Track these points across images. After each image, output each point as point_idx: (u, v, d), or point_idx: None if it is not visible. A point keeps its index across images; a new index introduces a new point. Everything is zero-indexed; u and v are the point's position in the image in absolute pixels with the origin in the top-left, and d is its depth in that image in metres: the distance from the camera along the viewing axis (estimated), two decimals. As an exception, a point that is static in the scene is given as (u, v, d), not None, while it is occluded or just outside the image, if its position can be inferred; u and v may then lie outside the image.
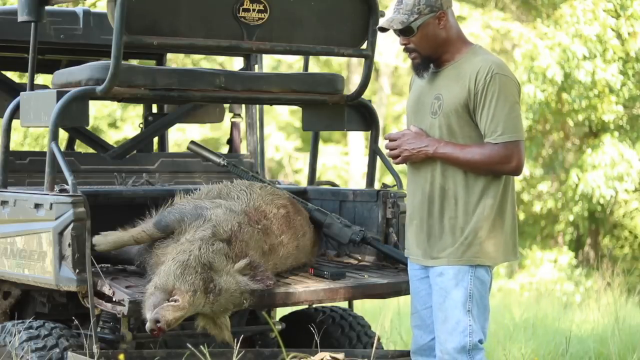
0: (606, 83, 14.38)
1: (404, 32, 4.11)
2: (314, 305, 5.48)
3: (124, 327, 4.48)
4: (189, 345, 4.31)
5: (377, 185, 5.33)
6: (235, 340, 4.26)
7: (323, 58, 17.92)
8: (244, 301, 4.20)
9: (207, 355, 4.21)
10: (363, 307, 8.50)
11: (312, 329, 4.91)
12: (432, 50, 4.12)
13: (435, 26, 4.10)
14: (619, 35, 14.34)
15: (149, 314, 3.98)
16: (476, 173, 4.06)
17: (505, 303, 10.57)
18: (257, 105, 6.08)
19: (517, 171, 4.07)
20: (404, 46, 4.17)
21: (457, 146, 4.05)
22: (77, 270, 4.22)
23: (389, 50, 17.32)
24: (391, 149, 4.16)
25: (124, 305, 4.11)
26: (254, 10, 4.67)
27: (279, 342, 4.63)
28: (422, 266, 4.21)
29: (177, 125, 8.38)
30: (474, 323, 4.06)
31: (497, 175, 4.07)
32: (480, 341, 4.08)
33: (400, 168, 6.47)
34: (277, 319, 5.57)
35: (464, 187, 4.07)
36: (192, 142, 5.30)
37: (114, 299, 4.18)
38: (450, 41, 4.13)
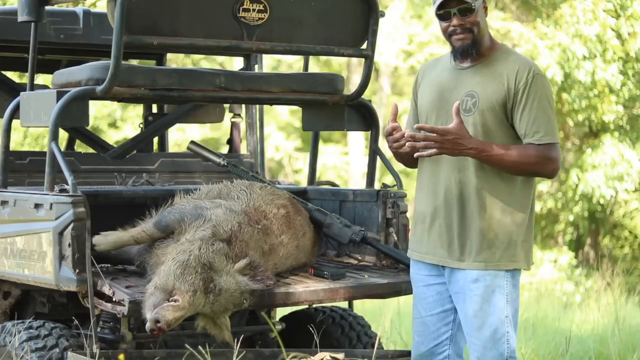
0: (606, 83, 14.39)
1: (465, 11, 4.00)
2: (314, 305, 5.48)
3: (124, 327, 4.48)
4: (187, 346, 4.30)
5: (377, 185, 5.32)
6: (235, 340, 4.26)
7: (323, 58, 17.91)
8: (244, 301, 4.20)
9: (207, 355, 4.21)
10: (363, 307, 8.50)
11: (312, 329, 4.91)
12: (481, 32, 4.05)
13: (483, 13, 4.06)
14: (619, 35, 14.34)
15: (149, 314, 3.98)
16: (517, 175, 4.00)
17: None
18: (257, 105, 6.08)
19: (554, 173, 4.04)
20: (455, 27, 4.02)
21: (502, 148, 3.96)
22: (77, 270, 4.22)
23: (389, 50, 17.32)
24: (425, 140, 3.93)
25: (124, 305, 4.11)
26: (254, 10, 4.67)
27: (278, 342, 4.63)
28: (438, 270, 4.12)
29: (177, 125, 8.38)
30: (511, 329, 4.02)
31: (535, 176, 4.05)
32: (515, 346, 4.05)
33: (400, 168, 6.46)
34: (277, 319, 5.57)
35: (500, 189, 4.00)
36: (192, 142, 5.30)
37: (114, 299, 4.17)
38: (487, 32, 4.09)
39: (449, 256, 4.08)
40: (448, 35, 4.08)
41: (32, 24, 4.80)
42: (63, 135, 5.54)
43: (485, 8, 4.09)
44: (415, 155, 4.04)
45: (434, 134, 3.92)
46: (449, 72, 4.14)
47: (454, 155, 3.98)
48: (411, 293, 4.69)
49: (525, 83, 3.99)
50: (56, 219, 4.27)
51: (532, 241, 4.11)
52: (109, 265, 4.68)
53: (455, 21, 4.03)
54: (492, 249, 4.00)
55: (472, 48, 4.05)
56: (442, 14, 4.04)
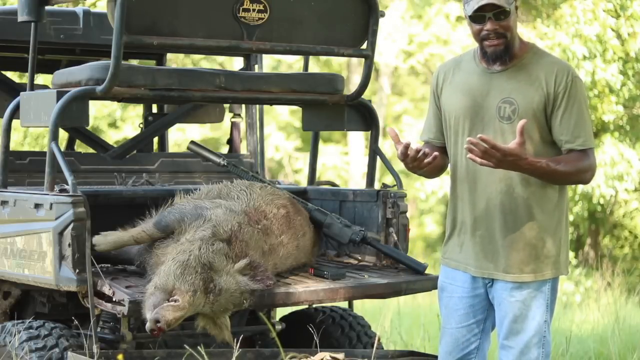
0: (606, 83, 14.38)
1: (499, 15, 3.88)
2: (314, 305, 5.48)
3: (124, 327, 4.48)
4: (186, 346, 4.30)
5: (377, 185, 5.32)
6: (235, 340, 4.26)
7: (323, 58, 17.91)
8: (244, 301, 4.20)
9: (207, 355, 4.21)
10: (363, 307, 8.50)
11: (312, 329, 4.91)
12: (513, 38, 3.93)
13: (515, 14, 3.93)
14: (619, 36, 14.34)
15: (149, 314, 3.98)
16: (562, 184, 3.94)
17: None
18: (257, 105, 6.08)
19: (592, 178, 3.97)
20: (489, 32, 3.90)
21: (552, 161, 3.84)
22: (77, 270, 4.22)
23: (389, 50, 17.31)
24: (485, 153, 3.74)
25: (124, 305, 4.11)
26: (254, 10, 4.67)
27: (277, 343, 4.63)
28: (476, 281, 4.02)
29: (177, 125, 8.39)
30: (548, 334, 3.99)
31: (577, 183, 3.99)
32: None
33: (400, 168, 6.45)
34: (277, 319, 5.57)
35: (544, 198, 3.92)
36: (192, 142, 5.30)
37: (114, 299, 4.17)
38: (518, 34, 3.98)
39: (495, 268, 3.98)
40: (480, 39, 3.94)
41: (32, 24, 4.80)
42: (63, 135, 5.54)
43: (517, 7, 3.94)
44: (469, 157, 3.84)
45: (496, 152, 3.74)
46: (479, 75, 4.00)
47: (507, 169, 3.87)
48: (411, 293, 4.69)
49: (565, 87, 3.88)
50: (56, 219, 4.28)
51: (569, 245, 4.06)
52: (109, 265, 4.68)
53: (489, 25, 3.89)
54: (540, 258, 3.94)
55: (505, 54, 3.93)
56: (476, 17, 3.91)
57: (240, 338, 4.37)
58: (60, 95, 4.42)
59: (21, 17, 4.78)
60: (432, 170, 4.10)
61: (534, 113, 3.89)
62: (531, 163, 3.80)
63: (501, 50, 3.92)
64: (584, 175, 3.93)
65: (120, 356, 4.25)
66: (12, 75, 6.48)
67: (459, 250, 4.06)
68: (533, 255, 3.93)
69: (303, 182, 10.56)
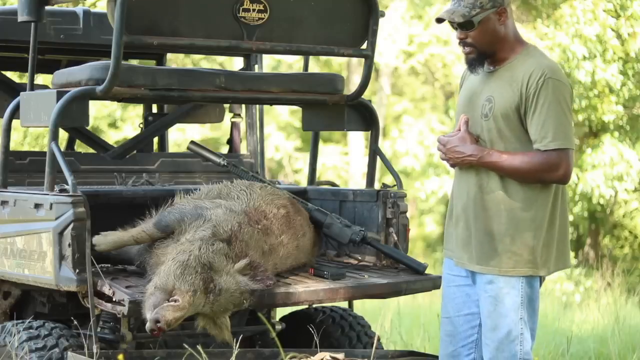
0: (606, 83, 14.39)
1: (464, 25, 3.96)
2: (314, 305, 5.48)
3: (124, 327, 4.48)
4: (186, 346, 4.30)
5: (377, 185, 5.32)
6: (235, 340, 4.26)
7: (323, 58, 17.90)
8: (244, 301, 4.20)
9: (207, 355, 4.21)
10: (363, 307, 8.50)
11: (312, 329, 4.91)
12: (489, 46, 3.98)
13: (495, 22, 3.97)
14: (618, 36, 14.34)
15: (149, 314, 3.98)
16: (523, 182, 3.94)
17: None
18: (257, 105, 6.08)
19: (565, 179, 3.94)
20: (459, 40, 4.02)
21: (503, 154, 3.93)
22: (77, 270, 4.22)
23: (389, 50, 17.31)
24: (441, 152, 4.06)
25: (124, 305, 4.11)
26: (254, 10, 4.67)
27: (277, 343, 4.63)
28: (467, 271, 4.12)
29: (177, 125, 8.39)
30: (525, 331, 3.99)
31: (544, 183, 3.95)
32: (530, 347, 4.03)
33: (400, 168, 6.45)
34: (277, 319, 5.57)
35: (510, 195, 3.96)
36: (192, 142, 5.30)
37: (114, 299, 4.17)
38: (507, 39, 4.00)
39: (468, 259, 4.07)
40: (459, 44, 4.07)
41: (32, 24, 4.80)
42: (63, 135, 5.54)
43: (502, 13, 3.97)
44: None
45: (441, 145, 4.02)
46: (481, 75, 4.10)
47: (457, 164, 4.02)
48: (411, 293, 4.71)
49: (537, 87, 3.91)
50: (56, 219, 4.27)
51: (560, 246, 4.03)
52: (109, 265, 4.68)
53: (458, 34, 4.01)
54: (507, 254, 3.97)
55: (477, 62, 4.02)
56: (450, 24, 4.01)
57: (240, 338, 4.37)
58: (60, 95, 4.42)
59: (21, 17, 4.78)
60: None
61: (507, 112, 3.96)
62: (475, 150, 3.94)
63: (472, 58, 4.03)
64: (547, 175, 3.92)
65: (120, 356, 4.25)
66: (12, 75, 6.48)
67: (448, 240, 4.21)
68: (499, 249, 3.97)
69: (303, 182, 10.56)
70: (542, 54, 4.06)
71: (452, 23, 4.00)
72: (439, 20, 4.03)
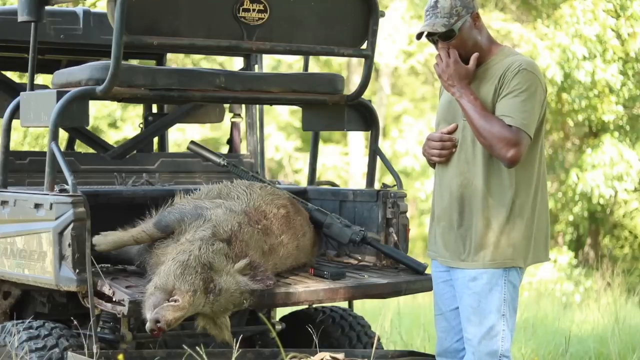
0: (606, 83, 14.40)
1: (446, 35, 4.05)
2: (314, 305, 5.48)
3: (124, 327, 4.48)
4: (185, 346, 4.30)
5: (377, 185, 5.32)
6: (235, 340, 4.26)
7: (323, 58, 17.91)
8: (244, 301, 4.20)
9: (207, 355, 4.21)
10: (363, 307, 8.50)
11: (311, 329, 4.91)
12: (469, 52, 4.06)
13: (471, 27, 4.06)
14: (618, 36, 14.35)
15: (149, 314, 3.98)
16: (478, 141, 3.99)
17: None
18: (257, 105, 6.08)
19: (512, 160, 3.94)
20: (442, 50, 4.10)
21: (478, 107, 3.97)
22: (77, 270, 4.22)
23: (389, 50, 17.31)
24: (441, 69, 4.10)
25: (124, 305, 4.11)
26: (254, 10, 4.67)
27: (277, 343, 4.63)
28: (447, 268, 4.18)
29: (177, 125, 8.39)
30: (507, 327, 4.05)
31: (493, 153, 3.97)
32: (509, 347, 4.07)
33: (400, 168, 6.45)
34: (277, 319, 5.57)
35: (498, 190, 4.02)
36: (192, 142, 5.30)
37: (114, 299, 4.18)
38: (483, 42, 4.09)
39: (450, 257, 4.13)
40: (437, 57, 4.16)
41: (32, 24, 4.80)
42: (63, 135, 5.54)
43: (476, 18, 4.07)
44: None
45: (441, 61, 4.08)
46: None
47: (443, 85, 4.09)
48: (411, 293, 4.71)
49: (511, 75, 3.98)
50: (56, 219, 4.28)
51: (540, 238, 4.10)
52: (109, 265, 4.68)
53: (440, 45, 4.11)
54: (489, 247, 4.03)
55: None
56: (430, 40, 4.11)
57: (240, 338, 4.37)
58: (60, 95, 4.42)
59: (21, 17, 4.78)
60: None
61: (486, 106, 4.01)
62: (462, 85, 4.00)
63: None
64: (502, 148, 3.92)
65: (120, 356, 4.25)
66: (12, 75, 6.48)
67: (434, 241, 4.24)
68: (482, 244, 4.02)
69: (303, 182, 10.56)
70: (518, 53, 4.15)
71: (432, 37, 4.09)
72: (419, 36, 4.12)
